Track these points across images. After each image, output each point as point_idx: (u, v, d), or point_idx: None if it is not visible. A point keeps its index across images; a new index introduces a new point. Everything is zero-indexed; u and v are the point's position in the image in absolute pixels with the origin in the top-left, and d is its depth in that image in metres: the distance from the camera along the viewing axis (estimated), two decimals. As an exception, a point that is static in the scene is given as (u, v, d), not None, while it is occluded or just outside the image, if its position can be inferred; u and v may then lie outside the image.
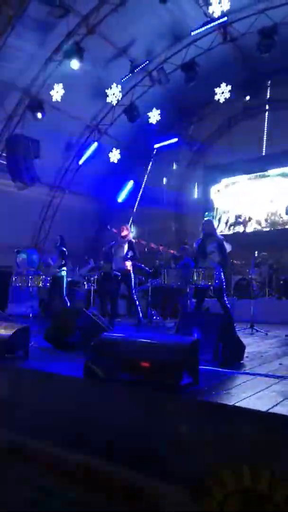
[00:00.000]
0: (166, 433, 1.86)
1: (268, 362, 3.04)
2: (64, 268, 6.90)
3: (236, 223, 11.91)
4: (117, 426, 2.01)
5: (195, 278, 4.95)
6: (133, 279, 5.94)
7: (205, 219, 5.68)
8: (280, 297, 7.38)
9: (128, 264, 5.87)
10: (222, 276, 5.13)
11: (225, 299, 5.23)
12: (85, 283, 6.77)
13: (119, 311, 7.06)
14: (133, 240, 6.07)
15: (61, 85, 9.15)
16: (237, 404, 1.78)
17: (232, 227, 11.97)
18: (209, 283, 4.83)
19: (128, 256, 5.85)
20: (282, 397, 1.89)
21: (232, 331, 2.96)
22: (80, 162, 11.43)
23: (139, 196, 12.53)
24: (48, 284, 6.88)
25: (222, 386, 2.15)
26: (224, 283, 5.21)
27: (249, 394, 1.94)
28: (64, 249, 7.00)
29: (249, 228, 11.61)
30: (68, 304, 6.97)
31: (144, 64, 9.74)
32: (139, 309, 5.98)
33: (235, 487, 1.59)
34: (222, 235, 6.04)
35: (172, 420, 1.87)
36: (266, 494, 1.53)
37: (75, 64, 8.46)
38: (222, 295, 5.15)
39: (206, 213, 12.20)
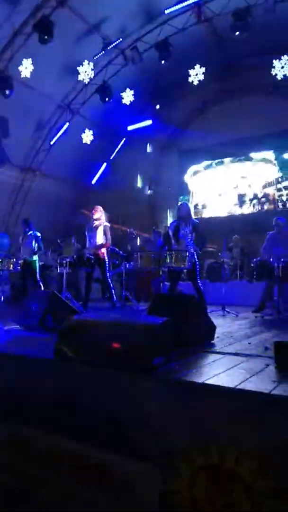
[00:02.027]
0: (137, 412, 1.86)
1: (238, 341, 3.11)
2: (37, 252, 6.81)
3: (207, 207, 12.01)
4: (87, 407, 2.00)
5: (168, 261, 4.97)
6: (107, 263, 5.89)
7: (180, 202, 5.68)
8: (250, 280, 7.54)
9: (103, 250, 5.81)
10: (196, 258, 5.17)
11: (199, 281, 5.28)
12: (57, 266, 6.67)
13: (93, 295, 7.03)
14: (108, 224, 5.97)
15: (30, 60, 8.77)
16: (206, 382, 1.80)
17: (205, 211, 12.07)
18: (182, 266, 4.86)
19: (101, 243, 5.77)
20: (250, 374, 1.92)
21: (203, 312, 2.99)
22: (52, 142, 11.10)
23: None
24: (18, 267, 6.76)
25: (193, 365, 2.17)
26: (198, 266, 5.26)
27: (219, 372, 1.97)
28: (38, 234, 6.88)
29: (221, 213, 11.74)
30: (42, 287, 6.87)
31: (117, 42, 9.46)
32: (113, 292, 5.96)
33: (203, 464, 1.62)
34: (196, 218, 6.07)
35: (142, 400, 1.87)
36: (233, 470, 1.56)
37: (44, 38, 8.10)
38: (195, 277, 5.20)
39: (181, 197, 12.23)
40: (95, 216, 5.89)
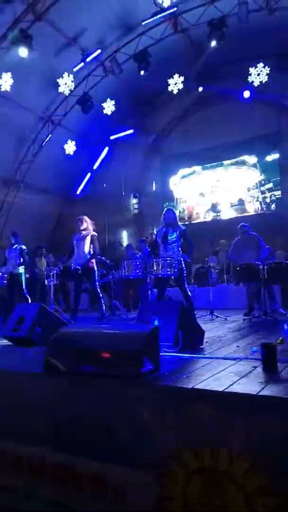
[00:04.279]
0: (129, 420, 1.88)
1: (227, 345, 3.15)
2: (23, 265, 6.76)
3: (192, 212, 12.14)
4: (79, 418, 2.00)
5: (155, 268, 5.01)
6: (96, 274, 5.86)
7: (166, 208, 5.73)
8: (237, 284, 7.64)
9: (92, 260, 5.79)
10: (183, 264, 5.22)
11: (186, 287, 5.32)
12: (45, 278, 6.65)
13: (82, 306, 7.00)
14: (95, 234, 5.95)
15: (9, 74, 8.79)
16: (196, 387, 1.83)
17: (189, 217, 12.19)
18: (169, 272, 4.90)
19: (90, 255, 5.74)
20: (238, 377, 1.96)
21: (192, 317, 3.03)
22: (34, 154, 11.10)
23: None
24: (4, 281, 6.71)
25: (182, 371, 2.19)
26: (185, 272, 5.30)
27: (207, 376, 2.00)
28: (24, 247, 6.85)
29: (207, 218, 11.88)
30: (29, 300, 6.82)
31: (96, 54, 9.58)
32: (102, 302, 5.93)
33: (196, 467, 1.64)
34: (183, 224, 6.14)
35: (134, 407, 1.89)
36: (225, 471, 1.59)
37: (23, 52, 8.16)
38: (182, 283, 5.24)
39: (166, 203, 12.33)
40: (82, 227, 5.86)
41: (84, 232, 5.83)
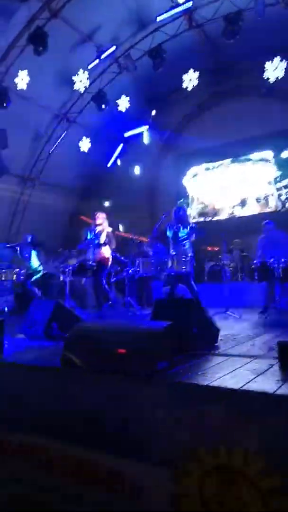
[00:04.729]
0: (145, 417, 1.89)
1: (241, 343, 3.14)
2: (40, 267, 6.89)
3: (207, 210, 12.06)
4: (95, 413, 2.03)
5: (170, 265, 5.01)
6: (105, 268, 5.83)
7: (177, 206, 5.71)
8: (251, 282, 7.57)
9: (106, 252, 5.75)
10: (194, 261, 5.23)
11: (192, 283, 5.32)
12: (60, 275, 6.71)
13: (94, 302, 7.04)
14: (110, 229, 5.96)
15: (25, 71, 8.86)
16: (211, 384, 1.83)
17: (204, 214, 12.11)
18: (183, 269, 4.90)
19: (104, 243, 5.72)
20: (254, 375, 1.96)
21: (206, 315, 3.03)
22: (50, 151, 11.19)
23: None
24: (22, 277, 6.82)
25: (197, 368, 2.20)
26: (193, 268, 5.31)
27: (223, 374, 2.00)
28: (37, 250, 6.99)
29: (222, 215, 11.79)
30: (37, 294, 6.93)
31: (111, 51, 9.58)
32: (103, 297, 5.86)
33: (212, 465, 1.65)
34: (194, 222, 6.12)
35: (149, 404, 1.90)
36: (241, 470, 1.59)
37: (39, 49, 8.20)
38: (190, 279, 5.26)
39: (181, 200, 12.29)
40: (97, 222, 5.89)
41: (99, 228, 5.86)
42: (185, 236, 5.32)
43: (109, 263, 5.85)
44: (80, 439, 2.02)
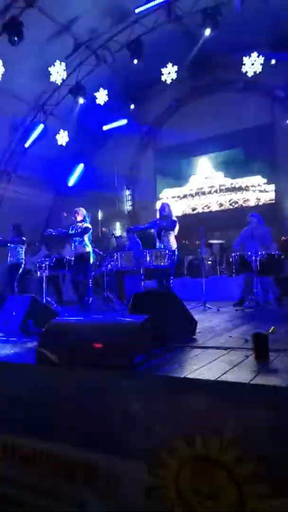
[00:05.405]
0: (122, 410, 1.88)
1: (219, 335, 3.16)
2: (23, 256, 6.73)
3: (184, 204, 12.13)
4: (71, 408, 2.00)
5: (148, 259, 5.01)
6: (89, 263, 5.84)
7: (162, 202, 5.75)
8: (230, 275, 7.67)
9: (87, 248, 5.76)
10: (176, 256, 5.27)
11: (168, 278, 5.37)
12: (37, 270, 6.60)
13: (74, 297, 6.97)
14: (89, 226, 5.95)
15: (0, 62, 8.62)
16: (188, 376, 1.83)
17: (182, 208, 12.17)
18: (162, 264, 4.91)
19: (83, 244, 5.73)
20: (230, 366, 1.97)
21: (182, 307, 3.03)
22: (26, 145, 10.95)
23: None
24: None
25: (174, 361, 2.20)
26: (174, 264, 5.35)
27: (200, 366, 2.01)
28: (24, 238, 6.80)
29: (199, 209, 11.87)
30: (16, 291, 6.79)
31: (88, 42, 9.42)
32: (90, 293, 5.89)
33: (188, 455, 1.65)
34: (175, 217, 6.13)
35: (126, 397, 1.89)
36: (217, 459, 1.60)
37: (14, 39, 7.98)
38: (166, 274, 5.33)
39: (160, 194, 12.32)
40: (78, 219, 5.87)
41: (80, 224, 5.83)
42: (168, 231, 5.37)
43: (91, 259, 5.83)
44: (55, 434, 1.99)
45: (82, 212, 5.92)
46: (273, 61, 9.14)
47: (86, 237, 5.83)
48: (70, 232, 5.86)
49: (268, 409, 1.57)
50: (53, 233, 5.85)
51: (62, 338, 2.27)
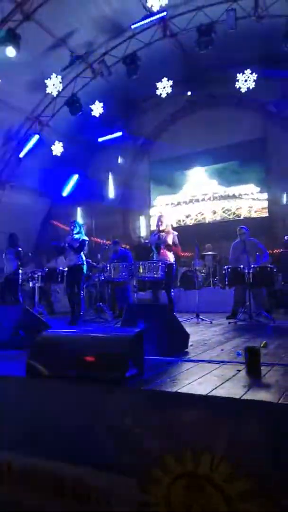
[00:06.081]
0: (113, 425, 1.86)
1: (211, 348, 3.16)
2: (21, 268, 6.67)
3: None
4: (61, 423, 1.97)
5: (141, 270, 5.01)
6: (83, 275, 5.86)
7: (159, 214, 5.80)
8: (223, 287, 7.69)
9: (82, 259, 5.78)
10: (172, 268, 5.30)
11: (164, 290, 5.37)
12: (29, 281, 6.55)
13: (65, 308, 6.93)
14: (86, 238, 6.01)
15: (-3, 73, 8.69)
16: (180, 391, 1.82)
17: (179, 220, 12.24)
18: (155, 275, 4.91)
19: (79, 257, 5.75)
20: (222, 380, 1.96)
21: (174, 320, 3.03)
22: (21, 155, 10.99)
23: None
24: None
25: (166, 375, 2.18)
26: (171, 276, 5.35)
27: (191, 380, 2.00)
28: (20, 248, 6.75)
29: (192, 221, 11.94)
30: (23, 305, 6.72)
31: (84, 55, 9.56)
32: (83, 305, 5.89)
33: (179, 472, 1.63)
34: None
35: (118, 413, 1.87)
36: (208, 476, 1.58)
37: (11, 51, 8.07)
38: (160, 286, 5.33)
39: (153, 206, 12.37)
40: (75, 231, 5.91)
41: (76, 236, 5.88)
42: (166, 244, 5.42)
43: (84, 270, 5.84)
44: (44, 450, 1.96)
45: (78, 224, 5.98)
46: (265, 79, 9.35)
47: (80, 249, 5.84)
48: (67, 244, 5.87)
49: (260, 425, 1.56)
50: (62, 245, 5.81)
51: (52, 350, 2.25)
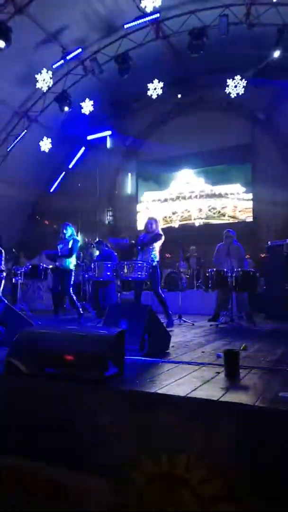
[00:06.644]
0: (89, 425, 1.85)
1: (192, 350, 3.18)
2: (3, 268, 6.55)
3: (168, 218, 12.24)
4: (39, 422, 1.95)
5: (126, 270, 5.00)
6: (72, 275, 5.84)
7: (149, 217, 5.78)
8: (206, 290, 7.74)
9: (73, 261, 5.78)
10: (156, 269, 5.29)
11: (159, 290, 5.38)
12: (12, 277, 6.46)
13: (42, 307, 6.87)
14: (77, 239, 6.01)
15: (-15, 65, 8.55)
16: (158, 391, 1.82)
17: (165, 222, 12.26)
18: (139, 275, 4.91)
19: (67, 256, 5.74)
20: (201, 382, 1.98)
21: (156, 321, 3.03)
22: (8, 149, 10.84)
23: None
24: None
25: (146, 375, 2.19)
26: (158, 275, 5.37)
27: (171, 381, 2.01)
28: (2, 249, 6.65)
29: (177, 223, 12.00)
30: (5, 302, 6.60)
31: (76, 52, 9.49)
32: (78, 304, 5.87)
33: (153, 473, 1.63)
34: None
35: (95, 412, 1.86)
36: (182, 478, 1.59)
37: (1, 44, 7.95)
38: (142, 288, 5.35)
39: (139, 205, 12.36)
40: (67, 234, 5.89)
41: (68, 239, 5.88)
42: (152, 245, 5.41)
43: (72, 269, 5.83)
44: (19, 449, 1.93)
45: (70, 228, 5.98)
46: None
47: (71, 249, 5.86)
48: (59, 248, 5.85)
49: (237, 427, 1.58)
50: (55, 253, 5.77)
51: (32, 348, 2.23)
